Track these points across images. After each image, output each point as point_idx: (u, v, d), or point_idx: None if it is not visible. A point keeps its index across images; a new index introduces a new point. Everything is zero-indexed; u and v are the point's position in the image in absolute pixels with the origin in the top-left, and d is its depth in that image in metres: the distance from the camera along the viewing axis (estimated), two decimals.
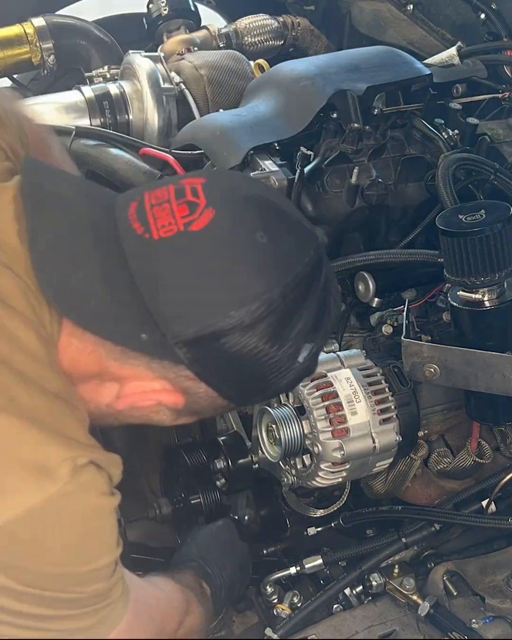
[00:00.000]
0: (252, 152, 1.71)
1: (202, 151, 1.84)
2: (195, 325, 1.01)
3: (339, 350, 1.45)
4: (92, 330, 1.04)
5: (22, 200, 1.06)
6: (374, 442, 1.36)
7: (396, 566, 1.51)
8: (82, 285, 1.03)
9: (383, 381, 1.40)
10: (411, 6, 2.39)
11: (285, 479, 1.45)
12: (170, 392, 1.08)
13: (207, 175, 1.12)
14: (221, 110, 1.96)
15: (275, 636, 1.42)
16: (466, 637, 1.37)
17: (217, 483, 1.55)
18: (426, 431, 1.60)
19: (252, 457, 1.51)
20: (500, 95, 1.95)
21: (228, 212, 1.03)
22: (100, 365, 1.07)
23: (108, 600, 1.07)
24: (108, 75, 2.26)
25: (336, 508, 1.55)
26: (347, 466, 1.36)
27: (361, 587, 1.49)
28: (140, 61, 2.15)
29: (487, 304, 1.39)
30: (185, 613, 1.29)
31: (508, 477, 1.51)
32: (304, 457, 1.41)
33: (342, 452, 1.33)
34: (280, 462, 1.43)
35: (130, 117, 2.11)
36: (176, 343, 1.01)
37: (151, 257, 1.01)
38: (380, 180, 1.69)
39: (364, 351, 1.45)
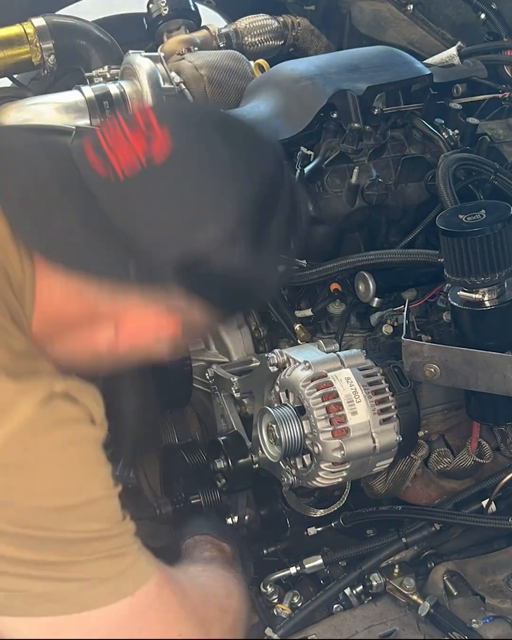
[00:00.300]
0: None
1: None
2: (178, 246, 1.03)
3: (340, 350, 1.45)
4: (79, 268, 1.05)
5: None
6: (374, 442, 1.36)
7: (396, 566, 1.51)
8: (61, 229, 1.04)
9: (383, 381, 1.40)
10: (411, 6, 2.39)
11: (285, 479, 1.45)
12: (166, 319, 1.11)
13: (154, 103, 1.15)
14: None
15: (275, 636, 1.42)
16: (466, 637, 1.37)
17: (218, 483, 1.55)
18: (426, 431, 1.60)
19: (252, 457, 1.51)
20: (500, 95, 1.95)
21: (185, 135, 1.06)
22: (90, 306, 1.08)
23: (122, 547, 1.02)
24: (108, 75, 2.26)
25: (336, 508, 1.55)
26: (348, 466, 1.36)
27: (361, 587, 1.49)
28: (141, 61, 2.14)
29: (487, 304, 1.39)
30: (226, 596, 1.21)
31: (508, 477, 1.51)
32: (304, 457, 1.41)
33: (343, 452, 1.33)
34: (280, 462, 1.43)
35: None
36: (163, 267, 1.03)
37: (122, 198, 1.04)
38: (380, 180, 1.69)
39: (364, 351, 1.45)
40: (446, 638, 1.39)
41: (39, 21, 2.29)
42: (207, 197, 1.05)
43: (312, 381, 1.36)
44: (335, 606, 1.48)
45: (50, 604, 1.00)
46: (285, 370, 1.42)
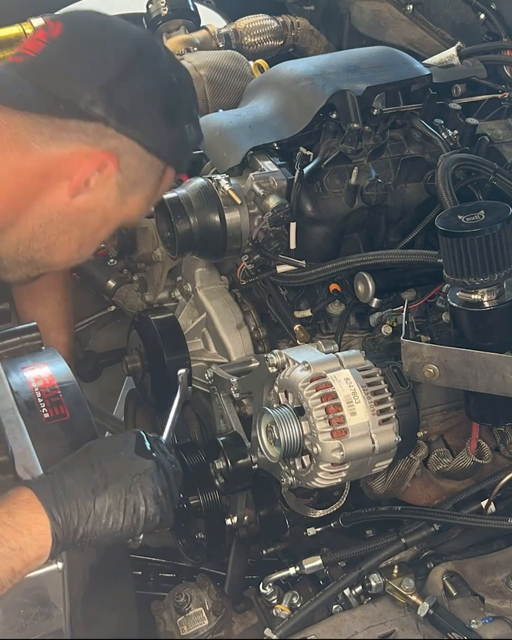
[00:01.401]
0: (251, 152, 1.71)
1: (202, 151, 1.85)
2: (93, 85, 1.33)
3: (339, 351, 1.45)
4: (22, 108, 1.32)
5: None
6: (373, 442, 1.36)
7: (396, 566, 1.51)
8: (3, 86, 1.34)
9: (382, 382, 1.40)
10: (411, 6, 2.39)
11: (284, 480, 1.45)
12: (105, 153, 1.35)
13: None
14: (221, 111, 1.96)
15: (274, 636, 1.42)
16: (465, 638, 1.37)
17: (217, 483, 1.55)
18: (426, 431, 1.60)
19: (251, 458, 1.51)
20: (500, 96, 1.95)
21: (72, 17, 1.47)
22: (41, 159, 1.33)
23: None
24: None
25: (335, 508, 1.55)
26: (347, 467, 1.36)
27: (360, 588, 1.49)
28: None
29: (486, 304, 1.39)
30: None
31: (507, 477, 1.51)
32: (303, 457, 1.40)
33: (342, 453, 1.33)
34: (279, 462, 1.43)
35: None
36: (88, 105, 1.32)
37: (38, 66, 1.35)
38: (379, 180, 1.69)
39: (363, 352, 1.45)
40: (445, 638, 1.39)
41: (39, 21, 2.29)
42: (100, 48, 1.36)
43: (311, 382, 1.36)
44: (334, 607, 1.48)
45: None
46: (284, 370, 1.42)
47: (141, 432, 1.29)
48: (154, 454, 1.25)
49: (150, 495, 1.21)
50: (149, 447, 1.26)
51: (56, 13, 2.36)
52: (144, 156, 1.40)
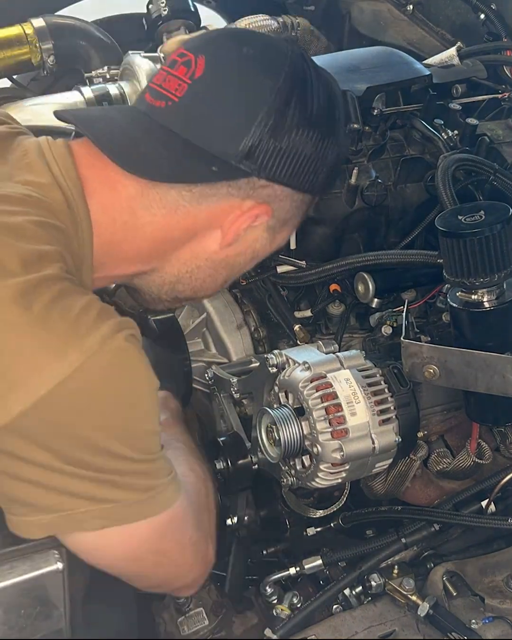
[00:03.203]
0: None
1: None
2: (241, 139, 1.19)
3: (339, 351, 1.45)
4: (172, 180, 1.22)
5: (71, 120, 1.26)
6: (373, 442, 1.36)
7: (396, 567, 1.51)
8: (150, 153, 1.22)
9: (383, 382, 1.40)
10: (411, 6, 2.39)
11: (285, 480, 1.45)
12: (259, 206, 1.26)
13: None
14: None
15: (274, 637, 1.42)
16: (465, 638, 1.37)
17: (217, 483, 1.55)
18: (426, 432, 1.60)
19: (251, 458, 1.51)
20: (500, 96, 1.95)
21: (213, 49, 1.25)
22: (189, 216, 1.25)
23: (161, 470, 1.16)
24: (108, 76, 2.26)
25: (335, 509, 1.56)
26: (347, 467, 1.36)
27: (360, 588, 1.49)
28: (140, 62, 2.15)
29: (486, 304, 1.39)
30: (205, 495, 1.36)
31: (508, 477, 1.51)
32: (303, 457, 1.41)
33: (342, 453, 1.33)
34: (279, 462, 1.43)
35: None
36: (237, 160, 1.20)
37: (182, 114, 1.21)
38: (379, 180, 1.69)
39: (363, 352, 1.45)
40: (445, 639, 1.39)
41: (39, 22, 2.29)
42: (249, 91, 1.21)
43: (311, 382, 1.36)
44: (334, 607, 1.48)
45: (99, 520, 1.12)
46: (284, 371, 1.42)
47: None
48: None
49: None
50: None
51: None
52: (297, 196, 1.30)
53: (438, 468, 1.61)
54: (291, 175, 1.25)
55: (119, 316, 1.13)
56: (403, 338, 1.46)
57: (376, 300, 1.66)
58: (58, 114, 1.29)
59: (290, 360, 1.43)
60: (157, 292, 1.38)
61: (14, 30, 2.27)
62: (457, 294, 1.41)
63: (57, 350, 1.03)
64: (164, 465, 1.18)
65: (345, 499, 1.55)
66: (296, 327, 1.69)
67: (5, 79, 2.41)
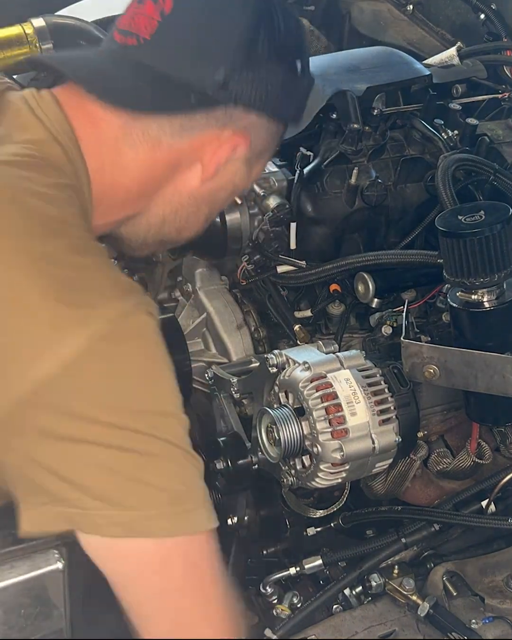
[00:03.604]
0: None
1: None
2: (218, 68, 1.21)
3: (339, 351, 1.45)
4: (152, 109, 1.22)
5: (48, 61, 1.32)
6: (373, 442, 1.36)
7: (396, 566, 1.51)
8: (128, 86, 1.23)
9: (383, 382, 1.40)
10: (411, 6, 2.39)
11: (285, 480, 1.45)
12: (237, 135, 1.27)
13: None
14: None
15: (274, 637, 1.42)
16: (465, 638, 1.37)
17: (217, 484, 1.55)
18: (426, 432, 1.60)
19: (251, 458, 1.51)
20: (500, 96, 1.95)
21: None
22: (172, 150, 1.25)
23: (192, 488, 1.08)
24: None
25: (335, 509, 1.56)
26: (347, 467, 1.36)
27: (360, 588, 1.49)
28: None
29: (486, 305, 1.39)
30: None
31: (508, 477, 1.51)
32: (303, 457, 1.40)
33: (342, 453, 1.33)
34: (279, 462, 1.43)
35: None
36: (215, 88, 1.21)
37: (156, 49, 1.22)
38: (379, 180, 1.69)
39: (363, 352, 1.45)
40: (445, 638, 1.39)
41: (39, 22, 2.28)
42: (219, 23, 1.23)
43: (311, 382, 1.36)
44: (334, 607, 1.48)
45: (121, 527, 1.05)
46: (284, 371, 1.42)
47: None
48: None
49: None
50: None
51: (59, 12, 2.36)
52: (272, 125, 1.32)
53: (438, 468, 1.61)
54: (266, 102, 1.26)
55: (142, 291, 1.13)
56: (403, 338, 1.46)
57: (376, 300, 1.66)
58: (33, 59, 1.37)
59: (290, 360, 1.43)
60: (143, 236, 1.37)
61: (14, 30, 2.26)
62: (457, 294, 1.41)
63: (79, 319, 1.03)
64: (198, 479, 1.10)
65: (345, 499, 1.55)
66: (296, 327, 1.69)
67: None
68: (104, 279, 1.09)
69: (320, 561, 1.52)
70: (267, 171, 1.68)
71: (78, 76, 1.24)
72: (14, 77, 2.44)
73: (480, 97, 1.94)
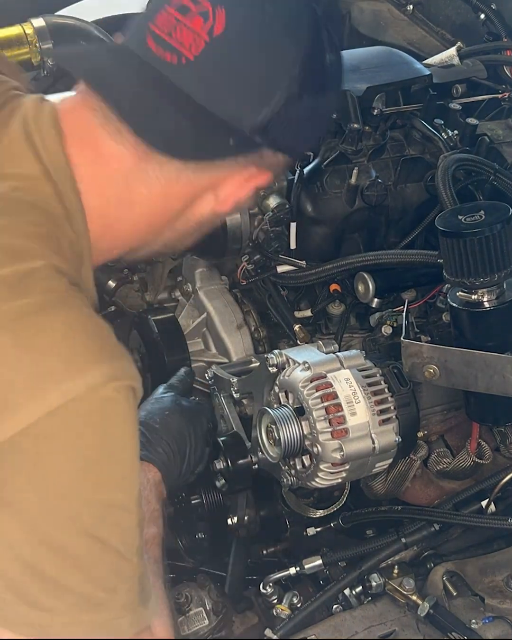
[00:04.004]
0: None
1: None
2: (264, 108, 1.06)
3: (339, 351, 1.45)
4: (193, 158, 1.09)
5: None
6: (373, 442, 1.36)
7: (396, 566, 1.51)
8: (166, 120, 1.05)
9: (383, 382, 1.40)
10: (411, 6, 2.39)
11: (285, 480, 1.45)
12: (260, 174, 1.16)
13: None
14: None
15: (275, 637, 1.42)
16: (465, 638, 1.37)
17: (217, 483, 1.55)
18: (426, 432, 1.60)
19: (251, 458, 1.51)
20: (500, 96, 1.95)
21: (232, 1, 1.07)
22: (190, 185, 1.13)
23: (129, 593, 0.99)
24: None
25: (335, 508, 1.56)
26: (347, 467, 1.36)
27: (360, 588, 1.49)
28: None
29: (486, 304, 1.39)
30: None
31: (508, 477, 1.51)
32: (303, 457, 1.40)
33: (342, 453, 1.33)
34: (279, 462, 1.43)
35: None
36: (255, 133, 1.07)
37: (199, 75, 1.05)
38: (379, 180, 1.69)
39: (363, 352, 1.45)
40: (445, 638, 1.39)
41: (39, 22, 2.28)
42: (273, 55, 1.07)
43: (311, 382, 1.36)
44: (334, 607, 1.48)
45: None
46: (284, 371, 1.42)
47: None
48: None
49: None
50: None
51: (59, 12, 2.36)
52: (287, 160, 1.20)
53: (438, 468, 1.61)
54: (297, 142, 1.16)
55: (124, 359, 0.99)
56: (403, 338, 1.46)
57: (376, 300, 1.66)
58: (59, 55, 1.19)
59: (290, 360, 1.43)
60: (132, 257, 1.26)
61: (14, 30, 2.26)
62: (458, 293, 1.41)
63: (31, 392, 0.92)
64: (131, 581, 1.00)
65: (345, 498, 1.55)
66: (296, 327, 1.69)
67: None
68: (72, 343, 0.95)
69: (320, 561, 1.52)
70: None
71: (105, 95, 1.07)
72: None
73: (480, 97, 1.94)
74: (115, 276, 2.18)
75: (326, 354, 1.43)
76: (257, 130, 1.07)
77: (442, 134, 1.76)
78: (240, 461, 1.51)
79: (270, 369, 1.45)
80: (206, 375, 1.68)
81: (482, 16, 2.17)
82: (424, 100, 1.79)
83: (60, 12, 2.51)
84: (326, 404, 1.34)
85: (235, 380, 1.59)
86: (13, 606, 0.96)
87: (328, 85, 1.14)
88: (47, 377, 0.92)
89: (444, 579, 1.46)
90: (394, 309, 1.67)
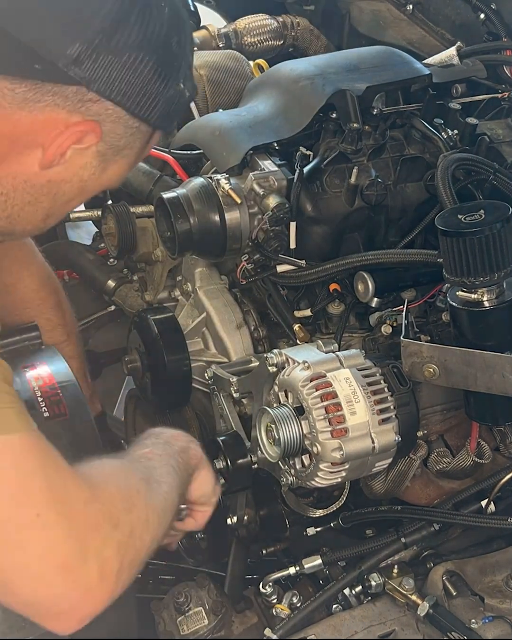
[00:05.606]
0: (251, 152, 1.71)
1: (201, 151, 1.85)
2: (75, 40, 1.09)
3: (339, 351, 1.45)
4: None
5: None
6: (373, 442, 1.36)
7: (395, 566, 1.51)
8: None
9: (382, 381, 1.40)
10: (411, 6, 2.39)
11: (284, 479, 1.45)
12: (86, 122, 1.15)
13: None
14: (220, 110, 1.96)
15: (274, 636, 1.42)
16: (465, 637, 1.37)
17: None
18: (426, 431, 1.60)
19: (251, 457, 1.52)
20: (499, 95, 1.95)
21: None
22: (9, 122, 1.13)
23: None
24: None
25: (335, 508, 1.56)
26: (347, 466, 1.36)
27: (360, 587, 1.49)
28: None
29: (486, 304, 1.39)
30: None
31: (507, 477, 1.51)
32: (303, 457, 1.40)
33: (341, 452, 1.33)
34: (279, 462, 1.43)
35: None
36: (68, 65, 1.09)
37: (10, 8, 1.09)
38: (379, 180, 1.69)
39: (363, 351, 1.45)
40: (445, 638, 1.39)
41: None
42: None
43: (311, 381, 1.36)
44: (334, 606, 1.48)
45: None
46: (284, 370, 1.42)
47: None
48: None
49: None
50: None
51: None
52: (130, 121, 1.19)
53: (438, 468, 1.61)
54: (123, 94, 1.15)
55: None
56: (403, 337, 1.46)
57: (375, 299, 1.65)
58: None
59: (290, 360, 1.42)
60: None
61: None
62: (457, 293, 1.41)
63: None
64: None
65: (345, 498, 1.55)
66: (296, 327, 1.69)
67: None
68: None
69: (320, 561, 1.53)
70: (267, 170, 1.68)
71: None
72: None
73: (480, 97, 1.94)
74: (114, 276, 2.18)
75: (326, 353, 1.43)
76: (68, 61, 1.09)
77: (442, 133, 1.76)
78: (240, 461, 1.51)
79: (269, 368, 1.45)
80: (206, 374, 1.68)
81: (482, 16, 2.16)
82: (423, 100, 1.79)
83: None
84: (325, 403, 1.34)
85: (234, 379, 1.59)
86: None
87: (159, 46, 1.14)
88: None
89: (443, 578, 1.46)
90: (394, 309, 1.67)
